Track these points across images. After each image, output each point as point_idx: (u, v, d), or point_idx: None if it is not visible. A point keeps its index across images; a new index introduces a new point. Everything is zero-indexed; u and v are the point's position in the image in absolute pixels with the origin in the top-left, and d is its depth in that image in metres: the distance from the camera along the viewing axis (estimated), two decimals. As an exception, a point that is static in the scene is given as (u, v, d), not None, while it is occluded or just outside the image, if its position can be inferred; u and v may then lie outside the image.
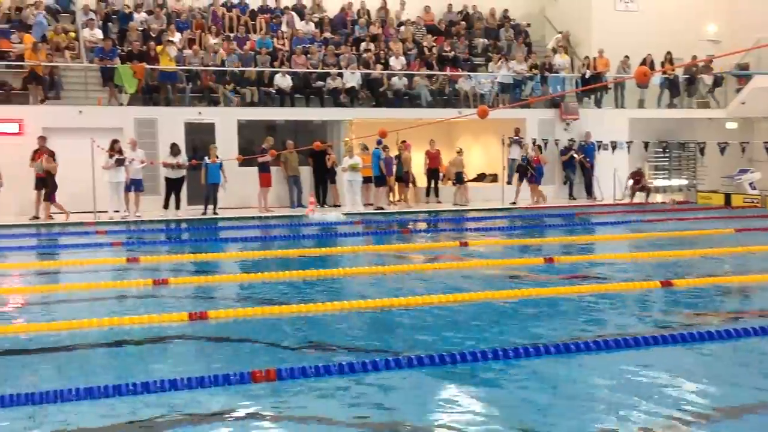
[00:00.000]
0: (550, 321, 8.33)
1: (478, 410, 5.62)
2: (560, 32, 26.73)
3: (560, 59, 25.34)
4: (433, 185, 22.98)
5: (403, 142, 22.17)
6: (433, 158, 22.75)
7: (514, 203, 22.26)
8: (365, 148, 21.72)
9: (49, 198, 18.52)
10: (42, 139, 18.77)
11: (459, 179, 22.67)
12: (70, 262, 12.58)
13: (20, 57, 20.43)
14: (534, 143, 23.14)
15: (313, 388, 6.02)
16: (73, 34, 22.30)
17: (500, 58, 24.71)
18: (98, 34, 22.01)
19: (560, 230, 17.33)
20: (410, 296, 9.28)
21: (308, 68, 23.01)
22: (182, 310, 8.63)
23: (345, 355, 6.87)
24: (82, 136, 19.03)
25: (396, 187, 22.48)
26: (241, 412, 5.58)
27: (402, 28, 26.29)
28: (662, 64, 25.17)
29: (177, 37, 22.59)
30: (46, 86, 20.44)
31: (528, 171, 22.39)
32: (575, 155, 23.77)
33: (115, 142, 18.92)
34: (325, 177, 21.81)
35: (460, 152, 22.98)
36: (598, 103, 25.59)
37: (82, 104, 20.54)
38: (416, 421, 5.37)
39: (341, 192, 21.60)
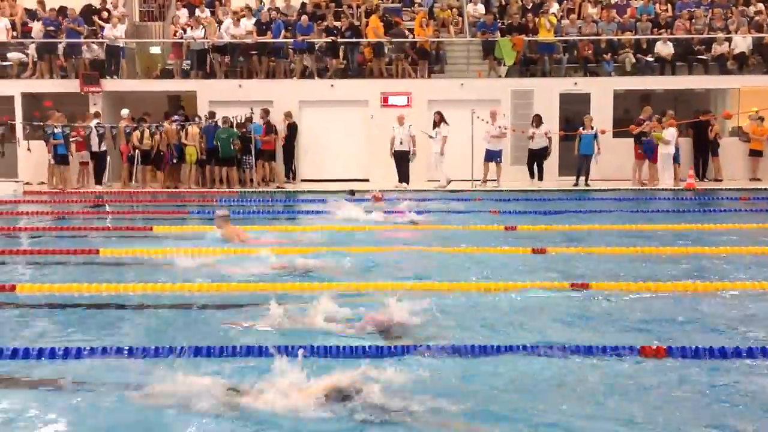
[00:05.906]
0: None
1: None
2: None
3: None
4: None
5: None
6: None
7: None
8: (760, 118, 19.94)
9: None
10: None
11: None
12: (459, 227, 13.29)
13: (410, 32, 22.04)
14: None
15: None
16: (456, 10, 23.47)
17: None
18: (481, 9, 22.92)
19: None
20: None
21: (692, 33, 21.75)
22: (563, 279, 8.77)
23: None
24: (462, 107, 20.02)
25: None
26: (631, 381, 5.69)
27: (807, -17, 23.62)
28: None
29: (555, 7, 22.69)
30: (432, 60, 21.83)
31: None
32: None
33: (435, 113, 19.58)
34: (706, 148, 20.50)
35: None
36: None
37: (463, 77, 21.62)
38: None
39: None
